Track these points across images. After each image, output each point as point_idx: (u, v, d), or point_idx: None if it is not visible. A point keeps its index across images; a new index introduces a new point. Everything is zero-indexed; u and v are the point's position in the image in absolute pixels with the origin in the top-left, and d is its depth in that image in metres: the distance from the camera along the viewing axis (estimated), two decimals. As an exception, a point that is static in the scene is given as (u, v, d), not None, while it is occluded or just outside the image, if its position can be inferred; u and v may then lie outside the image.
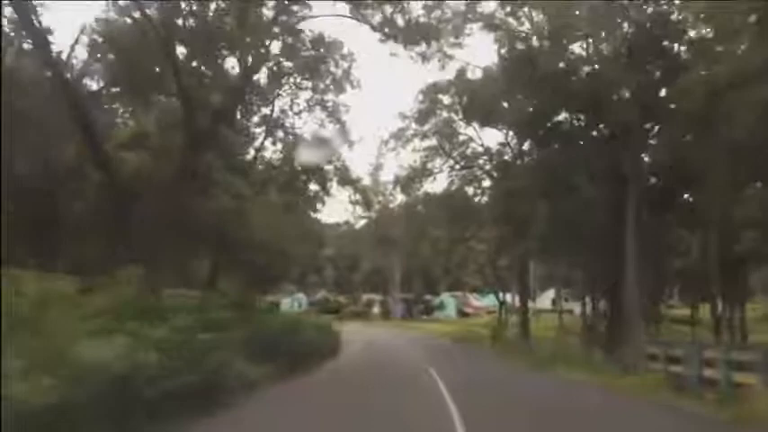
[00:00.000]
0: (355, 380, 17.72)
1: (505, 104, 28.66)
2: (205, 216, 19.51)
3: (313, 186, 26.78)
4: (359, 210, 30.96)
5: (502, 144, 36.04)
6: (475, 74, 32.76)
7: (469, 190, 38.30)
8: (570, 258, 30.45)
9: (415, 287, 78.63)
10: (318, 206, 28.74)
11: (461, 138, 37.76)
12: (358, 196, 30.04)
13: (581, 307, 40.51)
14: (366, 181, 38.44)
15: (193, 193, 18.63)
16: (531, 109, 25.09)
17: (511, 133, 35.30)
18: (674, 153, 23.63)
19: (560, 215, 23.96)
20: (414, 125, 36.32)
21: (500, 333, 34.41)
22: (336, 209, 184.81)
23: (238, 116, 24.74)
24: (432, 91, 35.80)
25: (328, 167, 27.06)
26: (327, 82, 25.62)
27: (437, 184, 38.66)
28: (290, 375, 16.32)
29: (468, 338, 37.63)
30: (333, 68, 25.07)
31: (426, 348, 30.80)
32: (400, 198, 43.76)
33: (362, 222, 78.19)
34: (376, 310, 78.86)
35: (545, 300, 58.69)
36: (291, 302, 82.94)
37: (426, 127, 36.49)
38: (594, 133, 26.27)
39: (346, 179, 27.69)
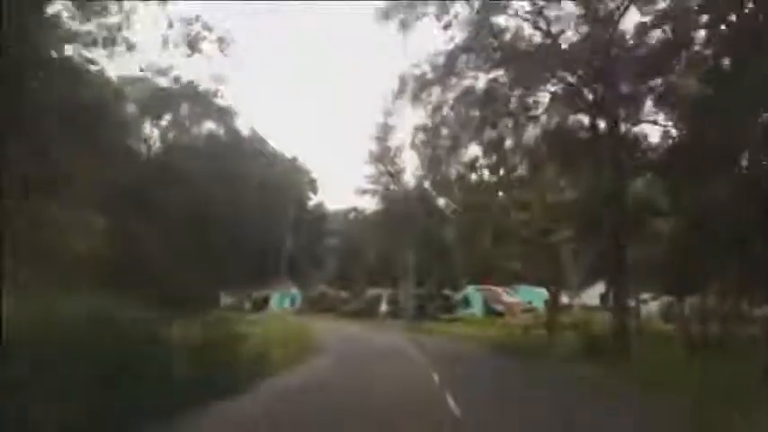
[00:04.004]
0: None
1: None
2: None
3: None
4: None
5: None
6: None
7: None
8: None
9: (431, 280, 63.21)
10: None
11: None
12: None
13: (674, 305, 26.15)
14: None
15: None
16: None
17: None
18: None
19: None
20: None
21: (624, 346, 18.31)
22: (343, 193, 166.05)
23: None
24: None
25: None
26: None
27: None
28: None
29: (534, 350, 21.99)
30: None
31: (482, 397, 14.10)
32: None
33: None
34: (384, 307, 62.94)
35: (590, 296, 43.24)
36: (281, 299, 68.88)
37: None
38: None
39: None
